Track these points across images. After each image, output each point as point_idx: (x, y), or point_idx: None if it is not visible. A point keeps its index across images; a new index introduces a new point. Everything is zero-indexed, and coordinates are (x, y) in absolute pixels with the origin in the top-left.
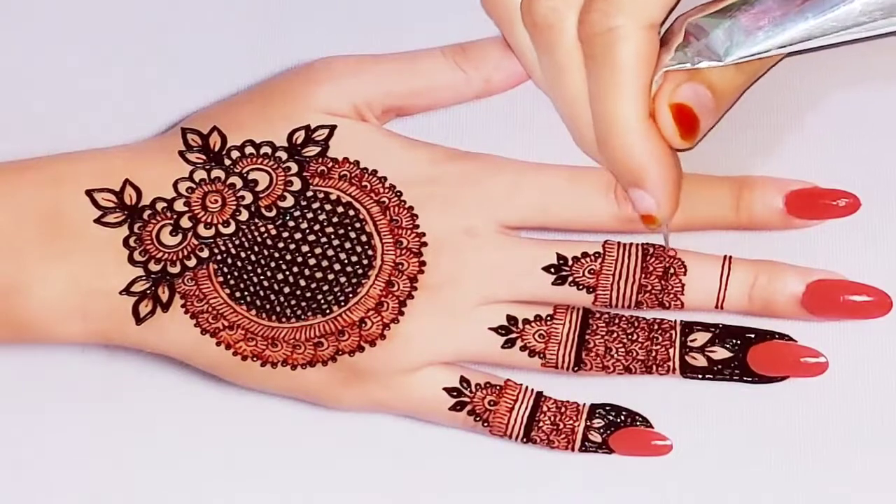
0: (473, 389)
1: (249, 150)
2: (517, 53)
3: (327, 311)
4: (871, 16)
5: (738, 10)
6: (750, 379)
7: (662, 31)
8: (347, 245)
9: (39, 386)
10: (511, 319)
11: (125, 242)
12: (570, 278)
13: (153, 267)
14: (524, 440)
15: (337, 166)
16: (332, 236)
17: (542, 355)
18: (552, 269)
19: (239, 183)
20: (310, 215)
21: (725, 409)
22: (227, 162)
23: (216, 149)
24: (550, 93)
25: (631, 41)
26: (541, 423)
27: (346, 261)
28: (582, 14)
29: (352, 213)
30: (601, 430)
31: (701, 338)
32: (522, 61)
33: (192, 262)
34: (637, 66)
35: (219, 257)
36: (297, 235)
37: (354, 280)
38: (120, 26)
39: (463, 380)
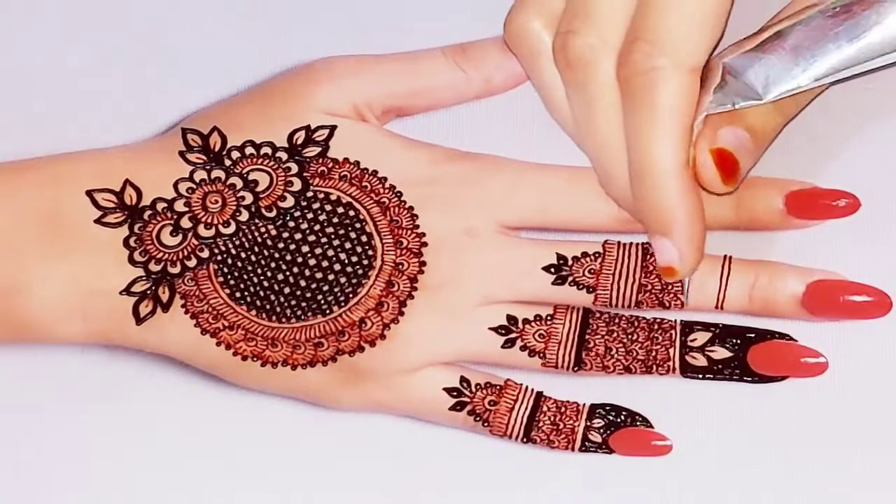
0: (473, 389)
1: (250, 150)
2: (541, 90)
3: (327, 312)
4: None
5: (771, 46)
6: (750, 379)
7: None
8: (347, 245)
9: (39, 386)
10: (511, 319)
11: (125, 242)
12: (570, 278)
13: (153, 267)
14: (524, 440)
15: (337, 167)
16: (333, 236)
17: (542, 355)
18: (552, 269)
19: (239, 183)
20: (310, 216)
21: (725, 409)
22: (228, 162)
23: (216, 149)
24: (578, 133)
25: (673, 83)
26: (541, 423)
27: (346, 261)
28: (622, 54)
29: (352, 213)
30: (601, 430)
31: (701, 337)
32: (547, 100)
33: (192, 263)
34: (678, 109)
35: (219, 257)
36: (298, 236)
37: (354, 280)
38: (120, 26)
39: (463, 380)
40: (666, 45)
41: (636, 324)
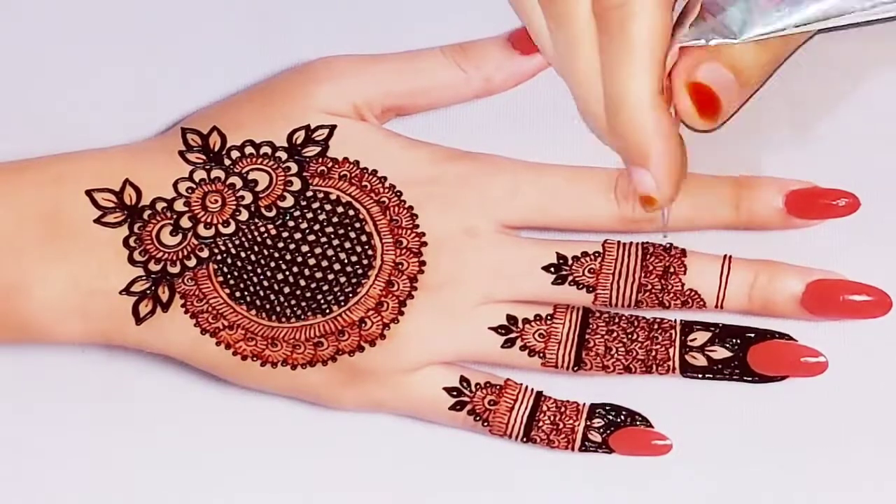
0: (473, 389)
1: (249, 150)
2: (531, 31)
3: (327, 311)
4: None
5: None
6: (750, 378)
7: (679, 7)
8: (347, 245)
9: (39, 386)
10: (511, 319)
11: (125, 242)
12: (570, 278)
13: (153, 267)
14: (524, 440)
15: (337, 166)
16: (332, 236)
17: (541, 355)
18: (552, 269)
19: (239, 183)
20: (310, 215)
21: (725, 409)
22: (227, 162)
23: (216, 149)
24: (562, 69)
25: (645, 15)
26: (541, 423)
27: (345, 261)
28: None
29: (352, 213)
30: (601, 430)
31: (701, 337)
32: (537, 40)
33: (191, 262)
34: (650, 41)
35: (219, 257)
36: (297, 235)
37: (354, 280)
38: (120, 26)
39: (463, 379)
40: None
41: (636, 323)
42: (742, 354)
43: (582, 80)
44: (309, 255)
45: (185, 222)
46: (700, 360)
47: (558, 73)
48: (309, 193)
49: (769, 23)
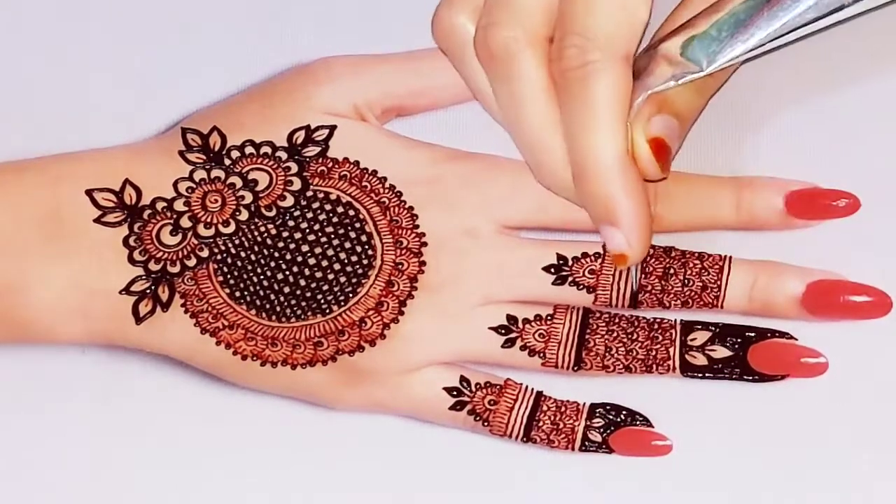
0: (473, 389)
1: (249, 149)
2: (471, 87)
3: (327, 311)
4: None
5: (704, 20)
6: (750, 378)
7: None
8: (347, 245)
9: (39, 386)
10: (511, 319)
11: (125, 242)
12: (570, 278)
13: (153, 266)
14: (524, 440)
15: (337, 166)
16: (332, 236)
17: (542, 355)
18: (552, 269)
19: (239, 183)
20: (310, 215)
21: (725, 409)
22: (227, 162)
23: (216, 149)
24: (509, 126)
25: (608, 75)
26: (541, 423)
27: (346, 260)
28: (554, 50)
29: (352, 213)
30: (601, 430)
31: (701, 337)
32: (476, 93)
33: (191, 262)
34: (614, 101)
35: (219, 257)
36: (297, 235)
37: (354, 280)
38: (120, 26)
39: (463, 379)
40: (598, 38)
41: (636, 323)
42: (742, 354)
43: (534, 139)
44: (309, 254)
45: (185, 222)
46: (700, 360)
47: (503, 128)
48: (309, 193)
49: (731, 49)
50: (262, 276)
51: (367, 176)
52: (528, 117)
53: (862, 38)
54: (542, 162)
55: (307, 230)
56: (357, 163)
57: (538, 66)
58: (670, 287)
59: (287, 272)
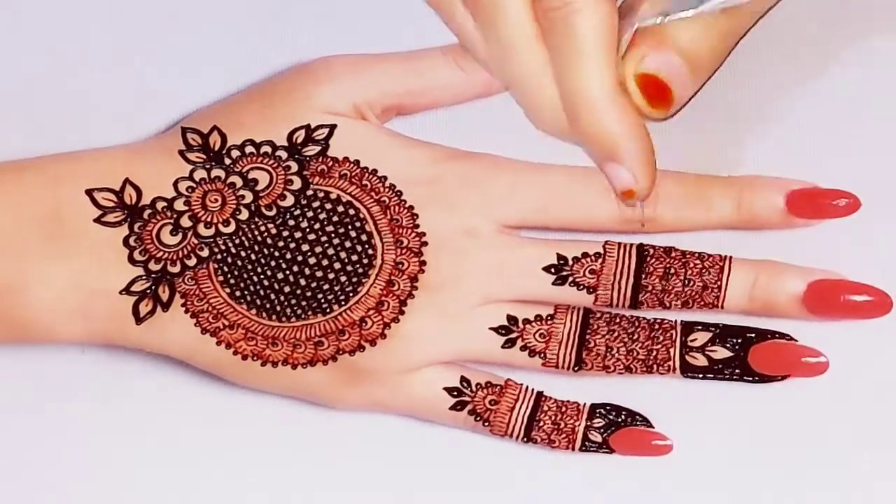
0: (474, 389)
1: (249, 149)
2: (460, 38)
3: (328, 311)
4: None
5: None
6: (750, 378)
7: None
8: (348, 244)
9: (39, 386)
10: (511, 319)
11: (125, 242)
12: (571, 278)
13: (153, 266)
14: (525, 440)
15: (337, 165)
16: (333, 235)
17: (542, 355)
18: (552, 269)
19: (239, 182)
20: (310, 214)
21: (725, 409)
22: (227, 161)
23: (216, 148)
24: (499, 72)
25: (592, 12)
26: (541, 423)
27: (346, 260)
28: None
29: (352, 212)
30: (601, 430)
31: (701, 337)
32: (468, 45)
33: (192, 262)
34: (599, 36)
35: (219, 256)
36: (298, 234)
37: (355, 279)
38: (120, 26)
39: (463, 379)
40: None
41: (637, 324)
42: (743, 354)
43: (524, 83)
44: (309, 254)
45: (186, 222)
46: (701, 361)
47: (493, 76)
48: (309, 193)
49: None
50: (262, 276)
51: (367, 175)
52: (518, 61)
53: (862, 37)
54: (537, 105)
55: (307, 229)
56: (357, 162)
57: (523, 9)
58: (671, 287)
59: (287, 272)
